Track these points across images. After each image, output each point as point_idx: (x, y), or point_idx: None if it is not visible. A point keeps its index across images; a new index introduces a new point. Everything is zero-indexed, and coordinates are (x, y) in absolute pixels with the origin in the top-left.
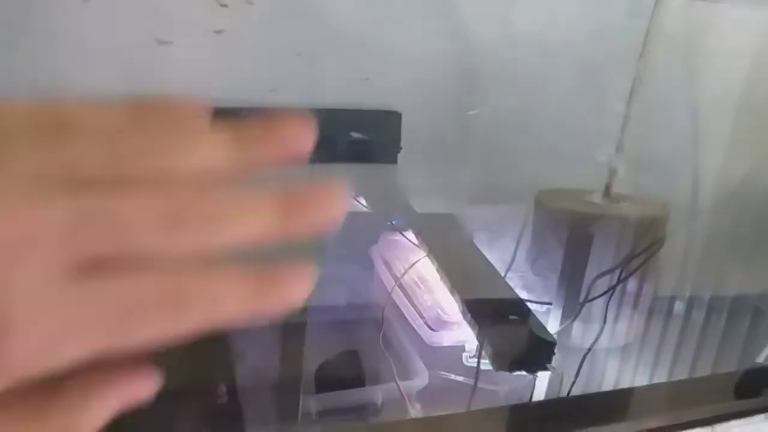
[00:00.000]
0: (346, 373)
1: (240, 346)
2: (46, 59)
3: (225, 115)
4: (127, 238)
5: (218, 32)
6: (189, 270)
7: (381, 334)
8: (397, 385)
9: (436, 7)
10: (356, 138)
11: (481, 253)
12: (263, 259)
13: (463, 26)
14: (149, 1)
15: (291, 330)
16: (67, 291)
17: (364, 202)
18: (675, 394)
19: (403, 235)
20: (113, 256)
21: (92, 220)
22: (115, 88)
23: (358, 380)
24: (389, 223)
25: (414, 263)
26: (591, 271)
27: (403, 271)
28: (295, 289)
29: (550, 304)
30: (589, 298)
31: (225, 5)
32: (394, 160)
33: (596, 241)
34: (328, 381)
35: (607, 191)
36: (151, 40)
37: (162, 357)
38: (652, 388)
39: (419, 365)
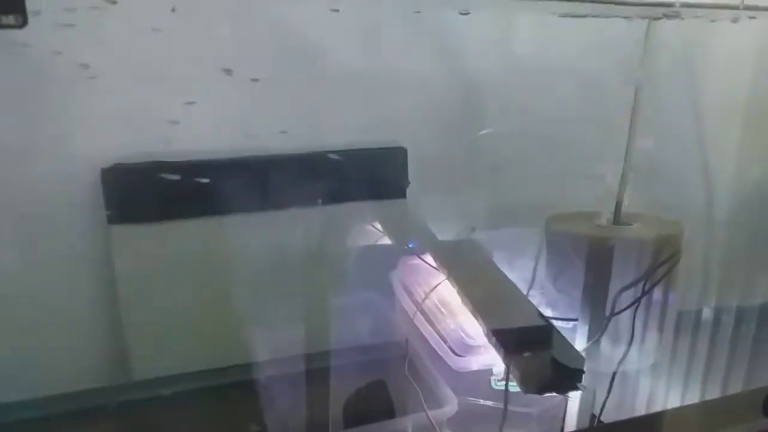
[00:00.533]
0: (374, 406)
1: (268, 389)
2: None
3: (238, 166)
4: None
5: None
6: None
7: (406, 362)
8: (427, 414)
9: (434, 38)
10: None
11: (502, 273)
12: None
13: (463, 54)
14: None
15: (317, 371)
16: None
17: (378, 235)
18: (705, 413)
19: (421, 258)
20: None
21: None
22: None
23: (386, 412)
24: (406, 246)
25: (435, 287)
26: (612, 290)
27: (423, 296)
28: None
29: (575, 320)
30: (615, 311)
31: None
32: (404, 195)
33: (613, 264)
34: (356, 415)
35: (617, 213)
36: (166, 99)
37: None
38: (684, 409)
39: (447, 392)
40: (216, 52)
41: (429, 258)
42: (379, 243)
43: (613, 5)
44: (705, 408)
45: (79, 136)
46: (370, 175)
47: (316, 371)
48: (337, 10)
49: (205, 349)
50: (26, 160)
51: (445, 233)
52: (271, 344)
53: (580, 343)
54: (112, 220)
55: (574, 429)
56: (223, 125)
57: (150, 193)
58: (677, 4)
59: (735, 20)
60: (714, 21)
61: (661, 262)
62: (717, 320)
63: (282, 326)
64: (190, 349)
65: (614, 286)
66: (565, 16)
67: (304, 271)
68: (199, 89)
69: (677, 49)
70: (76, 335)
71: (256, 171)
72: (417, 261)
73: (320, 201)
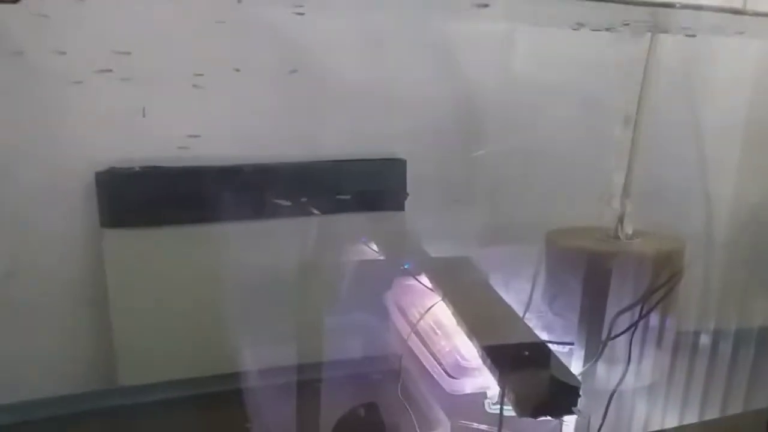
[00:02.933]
0: (366, 428)
1: (256, 401)
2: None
3: (231, 173)
4: None
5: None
6: None
7: (399, 384)
8: None
9: (437, 54)
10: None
11: (498, 295)
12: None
13: (463, 71)
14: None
15: (306, 387)
16: None
17: (375, 247)
18: None
19: (416, 279)
20: None
21: None
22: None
23: None
24: (402, 267)
25: (429, 308)
26: (611, 310)
27: (418, 317)
28: None
29: (572, 344)
30: (612, 336)
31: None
32: (402, 207)
33: (613, 279)
34: None
35: (618, 228)
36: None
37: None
38: (681, 429)
39: (440, 415)
40: (215, 56)
41: (424, 278)
42: (375, 258)
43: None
44: (707, 428)
45: (74, 138)
46: (368, 186)
47: (306, 385)
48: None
49: (193, 357)
50: (18, 161)
51: (441, 248)
52: (261, 356)
53: (576, 367)
54: (105, 223)
55: None
56: (221, 132)
57: (144, 197)
58: (677, 5)
59: (741, 33)
60: (717, 34)
61: (663, 282)
62: (715, 342)
63: (272, 338)
64: (178, 356)
65: (613, 303)
66: (579, 27)
67: (297, 283)
68: (197, 95)
69: (677, 68)
70: (64, 339)
71: (252, 179)
72: (412, 281)
73: (316, 211)
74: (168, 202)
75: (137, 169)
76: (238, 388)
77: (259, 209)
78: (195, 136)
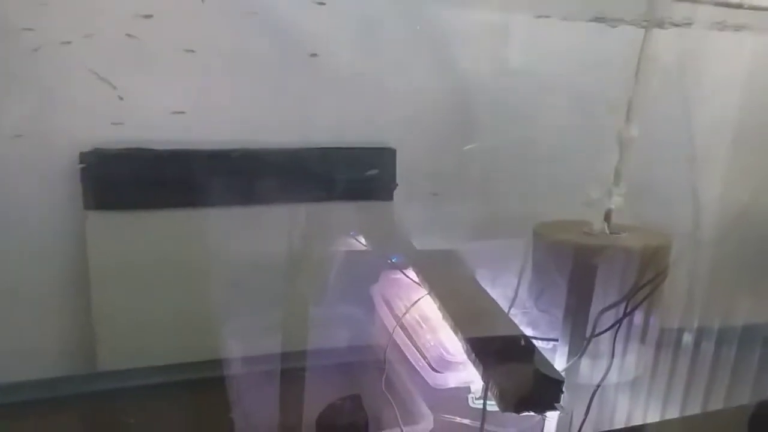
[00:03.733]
0: (349, 419)
1: (239, 388)
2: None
3: (219, 158)
4: None
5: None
6: None
7: (384, 377)
8: (402, 430)
9: (430, 44)
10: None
11: (484, 290)
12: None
13: (458, 62)
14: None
15: (290, 376)
16: None
17: (363, 240)
18: (688, 429)
19: (403, 273)
20: None
21: None
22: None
23: (361, 426)
24: (389, 261)
25: (415, 302)
26: (596, 305)
27: (404, 311)
28: None
29: (556, 340)
30: (596, 333)
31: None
32: (391, 197)
33: (600, 273)
34: (330, 428)
35: (606, 222)
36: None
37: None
38: (664, 424)
39: (423, 409)
40: (205, 39)
41: (411, 272)
42: (362, 248)
43: None
44: (688, 423)
45: (58, 117)
46: (357, 174)
47: (290, 374)
48: (324, 4)
49: (175, 344)
50: None
51: (428, 240)
52: (245, 344)
53: (560, 363)
54: (89, 205)
55: None
56: (209, 115)
57: (129, 179)
58: None
59: (738, 28)
60: (713, 29)
61: (649, 279)
62: (699, 340)
63: (257, 326)
64: (160, 342)
65: (599, 298)
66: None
67: (284, 270)
68: (185, 77)
69: (671, 64)
70: (45, 322)
71: (240, 164)
72: (399, 274)
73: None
74: (154, 185)
75: (123, 149)
76: (220, 376)
77: (247, 195)
78: (181, 114)
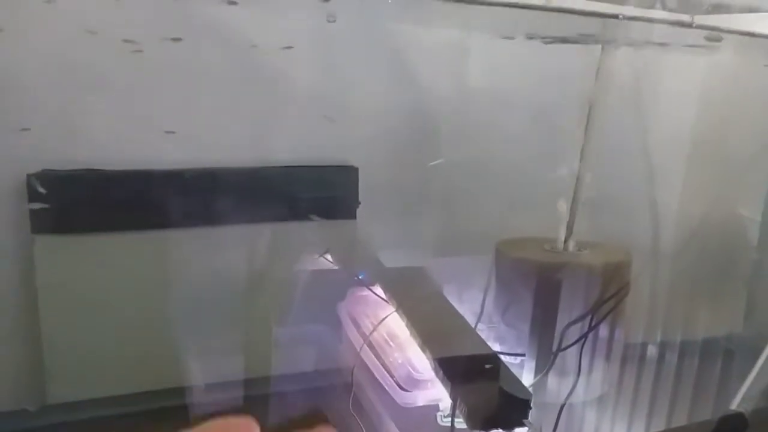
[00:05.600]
0: None
1: (201, 416)
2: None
3: (173, 177)
4: None
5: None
6: None
7: (351, 396)
8: None
9: (389, 64)
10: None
11: (452, 306)
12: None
13: (417, 81)
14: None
15: (254, 399)
16: None
17: (328, 258)
18: None
19: (370, 290)
20: None
21: None
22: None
23: None
24: (356, 277)
25: (382, 320)
26: (561, 320)
27: (371, 328)
28: None
29: (523, 355)
30: (562, 347)
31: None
32: (353, 216)
33: (563, 290)
34: None
35: (567, 239)
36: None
37: None
38: None
39: (392, 428)
40: (166, 58)
41: (378, 289)
42: (327, 267)
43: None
44: None
45: (5, 138)
46: (319, 193)
47: (253, 399)
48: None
49: (131, 372)
50: None
51: (393, 257)
52: (205, 369)
53: (527, 378)
54: (37, 229)
55: None
56: (166, 135)
57: (80, 202)
58: (621, 17)
59: (690, 46)
60: (666, 45)
61: (612, 294)
62: (662, 353)
63: (218, 351)
64: (114, 371)
65: (563, 314)
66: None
67: (246, 292)
68: (143, 96)
69: (627, 81)
70: None
71: (196, 183)
72: (366, 291)
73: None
74: (105, 207)
75: (72, 171)
76: (180, 404)
77: (205, 216)
78: (134, 134)
